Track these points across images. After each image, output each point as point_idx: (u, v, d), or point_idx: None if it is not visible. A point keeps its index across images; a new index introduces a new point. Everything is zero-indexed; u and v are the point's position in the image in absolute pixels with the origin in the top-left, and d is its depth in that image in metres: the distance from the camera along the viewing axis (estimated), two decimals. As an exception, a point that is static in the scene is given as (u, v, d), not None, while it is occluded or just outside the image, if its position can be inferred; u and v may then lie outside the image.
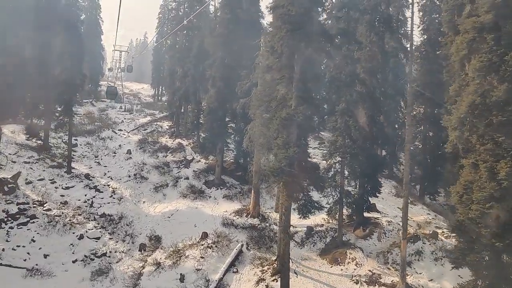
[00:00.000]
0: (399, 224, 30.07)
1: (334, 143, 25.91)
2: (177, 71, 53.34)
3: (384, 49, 30.16)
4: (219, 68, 37.75)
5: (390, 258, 25.98)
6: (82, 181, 37.33)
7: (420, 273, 24.46)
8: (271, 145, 22.50)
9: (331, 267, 25.51)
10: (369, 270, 24.08)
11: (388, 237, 28.51)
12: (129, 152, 44.78)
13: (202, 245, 27.93)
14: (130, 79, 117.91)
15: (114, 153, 44.82)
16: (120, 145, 46.80)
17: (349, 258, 25.62)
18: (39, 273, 26.07)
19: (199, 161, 43.10)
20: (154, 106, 74.19)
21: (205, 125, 39.19)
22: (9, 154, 37.12)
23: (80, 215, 32.52)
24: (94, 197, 35.68)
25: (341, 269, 24.95)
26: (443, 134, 30.17)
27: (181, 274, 25.23)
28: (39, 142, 41.68)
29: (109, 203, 35.42)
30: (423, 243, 26.34)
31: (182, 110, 53.05)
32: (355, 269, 24.58)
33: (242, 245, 28.49)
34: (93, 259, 28.59)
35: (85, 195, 35.54)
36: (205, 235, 28.99)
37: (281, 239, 22.12)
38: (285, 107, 21.83)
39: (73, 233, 30.13)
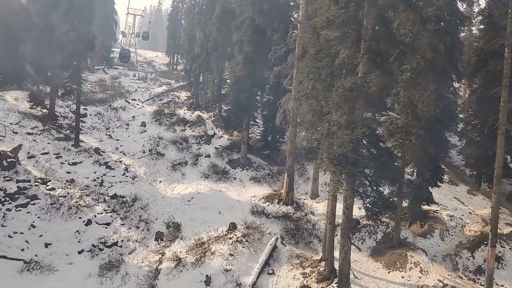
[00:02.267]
0: (462, 219, 25.41)
1: (395, 121, 20.98)
2: (196, 36, 48.36)
3: (454, 10, 24.85)
4: (247, 30, 32.74)
5: (460, 263, 21.41)
6: (91, 156, 33.07)
7: (502, 286, 19.89)
8: (326, 124, 17.76)
9: (389, 272, 20.98)
10: (439, 280, 19.50)
11: (451, 235, 23.90)
12: (143, 124, 40.33)
13: (230, 238, 23.55)
14: (144, 47, 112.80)
15: (127, 125, 40.41)
16: (133, 117, 42.33)
17: (411, 263, 21.04)
18: (38, 267, 22.03)
19: (221, 136, 38.51)
20: (169, 75, 69.34)
21: (231, 96, 34.40)
22: (10, 124, 32.86)
23: (88, 195, 28.35)
24: (104, 175, 31.46)
25: (402, 277, 20.41)
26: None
27: (206, 275, 20.91)
28: (44, 111, 37.36)
29: (121, 182, 31.20)
30: (501, 246, 21.65)
31: (202, 80, 48.18)
32: (420, 277, 20.03)
33: (276, 239, 24.12)
34: (102, 249, 24.53)
35: (95, 173, 31.32)
36: (233, 226, 24.59)
37: (342, 246, 17.51)
38: (348, 74, 16.97)
39: (80, 217, 25.99)
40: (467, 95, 41.32)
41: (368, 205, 16.50)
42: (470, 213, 26.89)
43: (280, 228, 25.67)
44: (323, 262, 21.22)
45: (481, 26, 34.32)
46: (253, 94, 34.50)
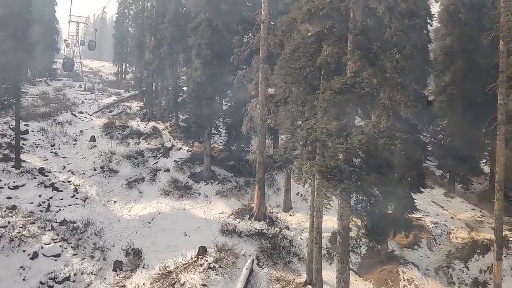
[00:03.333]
0: (446, 226, 23.92)
1: (376, 126, 19.04)
2: (146, 41, 45.26)
3: (427, 4, 23.39)
4: (205, 33, 30.20)
5: (455, 276, 19.77)
6: (35, 178, 29.41)
7: (504, 299, 18.32)
8: (304, 132, 15.56)
9: (382, 293, 18.96)
10: (439, 298, 17.65)
11: (439, 244, 22.33)
12: (93, 139, 36.80)
13: (201, 265, 20.84)
14: (89, 57, 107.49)
15: (75, 140, 36.75)
16: (81, 131, 38.66)
17: (404, 280, 19.14)
18: (-27, 316, 18.49)
19: (180, 148, 35.68)
20: (118, 84, 65.37)
21: (190, 104, 31.62)
22: None
23: (33, 223, 24.85)
24: (51, 198, 28.03)
25: (398, 297, 18.43)
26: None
27: (178, 312, 18.12)
28: (-23, 129, 33.18)
29: (70, 205, 27.89)
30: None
31: (155, 88, 45.08)
32: (417, 297, 18.09)
33: (252, 262, 21.66)
34: (52, 287, 21.18)
35: (40, 196, 27.81)
36: (203, 250, 21.89)
37: (340, 272, 15.18)
38: (332, 74, 14.83)
39: (24, 250, 22.55)
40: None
41: (368, 224, 14.32)
42: (452, 218, 25.48)
43: (255, 247, 23.22)
44: (309, 286, 18.92)
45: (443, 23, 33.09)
46: (215, 101, 31.91)
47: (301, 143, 17.36)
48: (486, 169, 33.61)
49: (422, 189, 23.37)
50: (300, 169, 18.85)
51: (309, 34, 15.72)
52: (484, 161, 32.86)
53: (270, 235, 24.41)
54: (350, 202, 14.27)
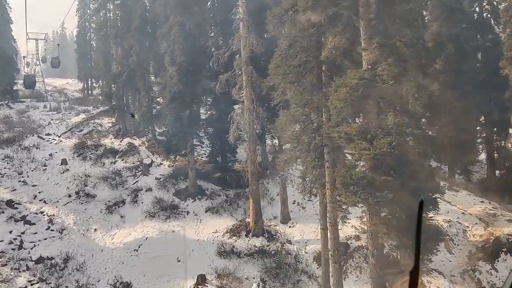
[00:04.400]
0: (460, 223, 22.20)
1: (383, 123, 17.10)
2: (113, 53, 42.54)
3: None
4: (178, 38, 27.92)
5: (483, 280, 17.96)
6: (3, 212, 26.59)
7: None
8: (316, 136, 13.47)
9: (409, 308, 16.93)
10: (474, 310, 15.77)
11: (457, 244, 20.54)
12: (64, 162, 33.85)
13: (202, 296, 18.48)
14: (52, 75, 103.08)
15: (45, 165, 33.70)
16: (51, 154, 35.57)
17: (432, 291, 17.19)
18: None
19: (161, 164, 33.13)
20: (85, 101, 62.11)
21: (168, 116, 29.15)
22: None
23: (5, 265, 22.19)
24: (23, 233, 25.26)
25: (429, 312, 16.49)
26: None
27: None
28: None
29: (46, 239, 25.13)
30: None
31: (126, 101, 42.32)
32: (450, 310, 16.19)
33: (258, 286, 19.40)
34: (33, 338, 18.52)
35: (10, 232, 25.00)
36: (202, 279, 19.58)
37: None
38: (338, 70, 12.79)
39: (-4, 299, 19.71)
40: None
41: (402, 239, 12.27)
42: (463, 213, 23.80)
43: (258, 268, 20.99)
44: (329, 309, 16.82)
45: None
46: (196, 111, 29.54)
47: (304, 150, 15.26)
48: (482, 156, 32.43)
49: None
50: (304, 179, 16.82)
51: (308, 25, 13.60)
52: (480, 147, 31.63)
53: (272, 252, 22.24)
54: (381, 216, 12.25)
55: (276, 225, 25.03)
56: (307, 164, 15.60)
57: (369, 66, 11.97)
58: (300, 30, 13.95)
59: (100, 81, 59.84)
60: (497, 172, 30.40)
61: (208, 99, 30.70)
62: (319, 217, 18.09)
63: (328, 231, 15.79)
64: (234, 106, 29.45)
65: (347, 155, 14.47)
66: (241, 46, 24.11)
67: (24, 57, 73.44)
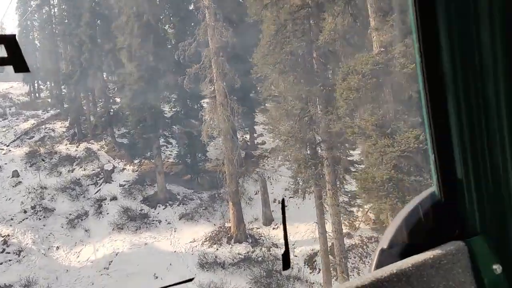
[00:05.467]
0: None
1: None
2: (61, 51, 39.31)
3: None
4: (135, 30, 25.39)
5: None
6: None
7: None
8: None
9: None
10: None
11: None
12: (15, 174, 30.66)
13: (190, 319, 16.43)
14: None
15: (-7, 179, 30.39)
16: (-1, 166, 32.23)
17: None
18: None
19: (124, 169, 30.51)
20: (33, 105, 57.81)
21: (130, 117, 26.62)
22: None
23: (-47, 300, 19.18)
24: (-27, 259, 22.20)
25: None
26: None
27: None
28: None
29: (1, 264, 22.39)
30: None
31: (79, 103, 39.11)
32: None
33: (250, 299, 17.55)
34: None
35: (-42, 260, 21.88)
36: (187, 298, 17.44)
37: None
38: (333, 55, 11.01)
39: None
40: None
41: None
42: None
43: (247, 279, 19.17)
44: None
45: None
46: (160, 110, 27.15)
47: (296, 147, 13.46)
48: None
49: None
50: (295, 178, 15.04)
51: (299, 5, 11.73)
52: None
53: (259, 259, 20.45)
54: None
55: (258, 228, 23.22)
56: (299, 162, 13.77)
57: (382, 49, 10.26)
58: (290, 13, 12.04)
59: (48, 83, 55.91)
60: None
61: (172, 96, 28.33)
62: (316, 220, 16.37)
63: (333, 238, 14.10)
64: (202, 101, 27.37)
65: (350, 152, 12.89)
66: (208, 36, 21.96)
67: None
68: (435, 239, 1.22)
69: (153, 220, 24.87)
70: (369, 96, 10.19)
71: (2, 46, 0.68)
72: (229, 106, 21.61)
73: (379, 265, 1.14)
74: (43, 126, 42.10)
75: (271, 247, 21.36)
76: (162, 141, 28.41)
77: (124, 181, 28.97)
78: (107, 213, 25.91)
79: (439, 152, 1.21)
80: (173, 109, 28.72)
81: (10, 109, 54.57)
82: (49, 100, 55.85)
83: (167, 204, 26.00)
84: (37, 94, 69.59)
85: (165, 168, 28.80)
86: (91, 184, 29.17)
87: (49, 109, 50.49)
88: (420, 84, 1.20)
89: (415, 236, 1.23)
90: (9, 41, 0.67)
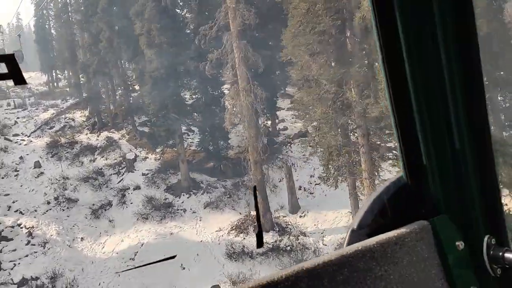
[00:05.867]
0: None
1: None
2: (78, 40, 38.97)
3: None
4: (154, 15, 24.76)
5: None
6: (-26, 229, 23.35)
7: None
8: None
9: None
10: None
11: None
12: (37, 165, 30.62)
13: (220, 312, 16.02)
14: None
15: (16, 171, 30.39)
16: (21, 157, 32.21)
17: None
18: None
19: (146, 158, 30.17)
20: (52, 95, 57.98)
21: (152, 105, 26.12)
22: None
23: (-19, 293, 19.12)
24: (0, 251, 22.16)
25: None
26: None
27: None
28: None
29: (27, 256, 22.25)
30: None
31: (99, 91, 38.83)
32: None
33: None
34: None
35: (-16, 253, 21.85)
36: (217, 290, 17.05)
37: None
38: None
39: (-24, 336, 16.92)
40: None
41: None
42: None
43: (276, 269, 18.58)
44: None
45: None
46: (182, 97, 26.62)
47: (328, 133, 12.74)
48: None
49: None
50: (326, 166, 14.35)
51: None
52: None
53: (287, 248, 19.92)
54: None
55: (285, 216, 22.66)
56: (331, 150, 13.06)
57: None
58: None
59: (66, 72, 55.88)
60: None
61: (192, 82, 27.72)
62: (350, 210, 15.71)
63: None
64: (223, 87, 26.75)
65: (390, 139, 12.16)
66: (229, 19, 21.20)
67: (-22, 52, 68.23)
68: (401, 220, 1.28)
69: (178, 209, 24.51)
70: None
71: (3, 64, 0.79)
72: (252, 92, 20.91)
73: (349, 244, 1.19)
74: (63, 116, 42.04)
75: (299, 235, 20.80)
76: (184, 128, 27.91)
77: (146, 170, 28.64)
78: (131, 203, 25.64)
79: (404, 140, 1.29)
80: (194, 96, 28.13)
81: (29, 99, 54.81)
82: (68, 89, 55.96)
83: (191, 193, 25.60)
84: (55, 84, 69.94)
85: (187, 156, 28.37)
86: (113, 174, 28.93)
87: (68, 98, 50.52)
88: (383, 78, 1.26)
89: (383, 217, 1.29)
90: (9, 59, 0.78)
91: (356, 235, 1.23)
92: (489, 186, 1.28)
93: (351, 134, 13.94)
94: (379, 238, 1.17)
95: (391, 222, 1.26)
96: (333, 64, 11.96)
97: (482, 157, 1.25)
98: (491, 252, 1.24)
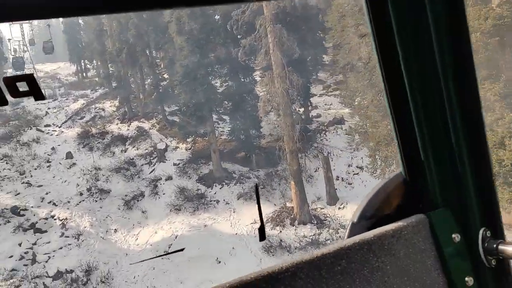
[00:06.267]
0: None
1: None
2: (106, 29, 38.51)
3: None
4: (184, 2, 23.84)
5: None
6: (8, 222, 23.43)
7: None
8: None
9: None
10: None
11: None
12: (69, 155, 30.52)
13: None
14: (41, 60, 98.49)
15: (48, 162, 30.36)
16: (53, 148, 32.18)
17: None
18: None
19: (177, 147, 29.69)
20: (82, 85, 58.15)
21: (183, 94, 25.51)
22: None
23: (18, 287, 18.97)
24: (35, 244, 22.20)
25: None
26: None
27: None
28: None
29: (61, 248, 22.06)
30: None
31: (128, 81, 38.49)
32: None
33: None
34: None
35: (20, 245, 21.86)
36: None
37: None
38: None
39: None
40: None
41: None
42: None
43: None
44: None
45: None
46: (213, 85, 25.90)
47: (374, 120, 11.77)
48: None
49: None
50: (374, 157, 13.42)
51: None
52: None
53: (327, 242, 19.15)
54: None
55: (323, 208, 21.83)
56: (379, 139, 12.12)
57: None
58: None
59: (95, 62, 55.93)
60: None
61: (223, 70, 26.95)
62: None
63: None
64: (254, 74, 25.94)
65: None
66: (263, 1, 20.23)
67: (9, 40, 68.76)
68: (399, 214, 1.30)
69: (211, 201, 23.96)
70: (490, 59, 8.30)
71: (25, 82, 0.85)
72: (287, 78, 20.01)
73: (349, 237, 1.22)
74: (93, 106, 41.95)
75: (338, 228, 19.97)
76: (215, 117, 27.23)
77: (178, 160, 28.17)
78: (163, 193, 25.23)
79: (401, 136, 1.30)
80: (225, 84, 27.38)
81: (59, 90, 55.21)
82: (96, 79, 55.98)
83: (224, 183, 25.01)
84: (84, 74, 70.32)
85: (219, 145, 27.74)
86: (145, 164, 28.58)
87: (97, 88, 50.51)
88: (380, 78, 1.26)
89: (382, 211, 1.31)
90: (29, 78, 0.85)
91: (356, 228, 1.26)
92: (485, 180, 1.26)
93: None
94: (377, 231, 1.19)
95: (390, 216, 1.28)
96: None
97: (477, 152, 1.24)
98: (486, 244, 1.23)
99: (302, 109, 29.28)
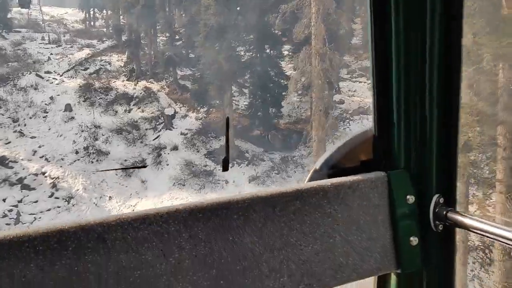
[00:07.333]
0: None
1: None
2: (123, -23, 35.57)
3: None
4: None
5: None
6: (-6, 173, 21.10)
7: None
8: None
9: None
10: None
11: None
12: (68, 108, 28.12)
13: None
14: (48, 3, 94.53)
15: (45, 112, 27.97)
16: (52, 98, 29.70)
17: None
18: None
19: (186, 116, 27.32)
20: (89, 34, 55.10)
21: (203, 57, 23.06)
22: None
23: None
24: (20, 201, 20.03)
25: None
26: None
27: None
28: None
29: (49, 210, 20.04)
30: None
31: (138, 35, 35.73)
32: None
33: None
34: None
35: (4, 201, 19.76)
36: None
37: None
38: None
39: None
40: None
41: None
42: None
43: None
44: None
45: None
46: (235, 52, 23.41)
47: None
48: None
49: None
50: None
51: None
52: None
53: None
54: None
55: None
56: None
57: None
58: None
59: (105, 11, 52.81)
60: None
61: (249, 37, 24.41)
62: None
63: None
64: (284, 47, 23.48)
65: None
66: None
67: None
68: (361, 168, 1.33)
69: (219, 180, 21.83)
70: None
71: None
72: (327, 57, 17.58)
73: (309, 181, 1.26)
74: (99, 58, 39.17)
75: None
76: (234, 89, 24.80)
77: (186, 129, 25.89)
78: (167, 164, 23.08)
79: (378, 96, 1.31)
80: (249, 54, 24.87)
81: (64, 36, 52.08)
82: (104, 30, 53.03)
83: (235, 162, 22.80)
84: (92, 23, 66.97)
85: (233, 120, 25.41)
86: (149, 129, 26.32)
87: (104, 39, 47.54)
88: (368, 37, 1.28)
89: (345, 163, 1.34)
90: None
91: (317, 175, 1.28)
92: (448, 149, 1.30)
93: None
94: (335, 180, 1.23)
95: (352, 169, 1.30)
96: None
97: (447, 122, 1.28)
98: (437, 209, 1.28)
99: (325, 92, 26.95)
